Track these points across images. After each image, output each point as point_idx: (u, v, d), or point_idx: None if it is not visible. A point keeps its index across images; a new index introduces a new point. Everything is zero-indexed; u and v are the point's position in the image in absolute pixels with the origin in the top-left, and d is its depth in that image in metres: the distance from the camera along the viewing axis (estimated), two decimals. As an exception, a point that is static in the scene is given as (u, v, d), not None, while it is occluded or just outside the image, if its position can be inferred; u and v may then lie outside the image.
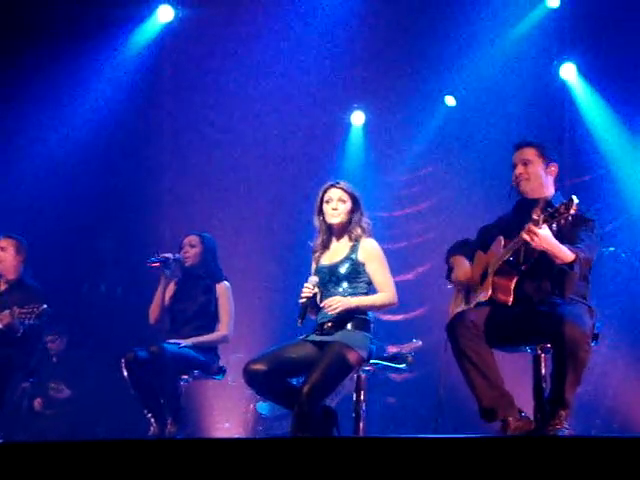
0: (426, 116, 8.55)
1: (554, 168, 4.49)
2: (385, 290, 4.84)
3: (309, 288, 4.83)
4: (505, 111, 7.83)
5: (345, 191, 4.93)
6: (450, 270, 4.66)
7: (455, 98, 8.46)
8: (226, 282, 6.13)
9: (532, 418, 4.17)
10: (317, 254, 5.01)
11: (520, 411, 4.15)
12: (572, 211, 3.91)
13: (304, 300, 4.81)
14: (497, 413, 4.10)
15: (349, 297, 4.76)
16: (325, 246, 4.98)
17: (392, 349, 7.21)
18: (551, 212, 3.99)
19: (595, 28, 7.48)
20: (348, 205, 4.92)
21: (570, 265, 4.10)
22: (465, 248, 4.66)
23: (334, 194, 4.92)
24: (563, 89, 8.03)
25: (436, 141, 8.54)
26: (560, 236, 4.14)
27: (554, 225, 4.01)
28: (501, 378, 4.18)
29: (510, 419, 4.06)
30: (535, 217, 4.05)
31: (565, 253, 4.08)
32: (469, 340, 4.13)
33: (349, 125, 8.91)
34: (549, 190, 4.45)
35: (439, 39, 7.78)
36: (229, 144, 8.28)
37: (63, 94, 7.81)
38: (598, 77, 7.82)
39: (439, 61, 7.98)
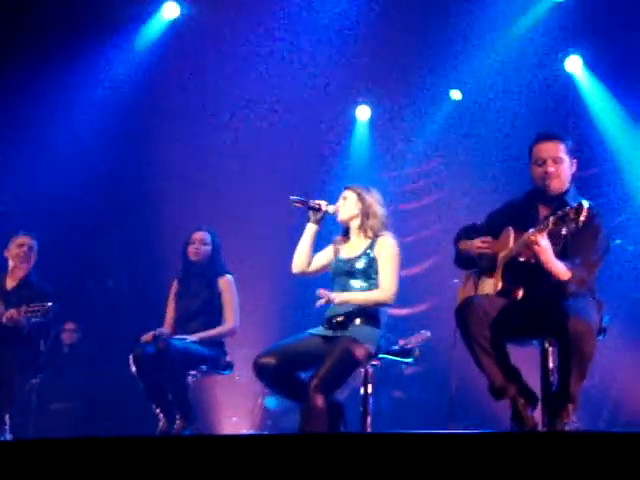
0: (432, 110, 8.54)
1: (575, 165, 4.43)
2: (383, 287, 4.87)
3: (325, 203, 5.03)
4: (511, 103, 7.81)
5: (350, 189, 5.07)
6: (458, 255, 4.65)
7: (461, 92, 8.46)
8: (228, 275, 6.14)
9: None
10: (335, 245, 5.12)
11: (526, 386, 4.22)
12: (582, 218, 3.82)
13: (310, 201, 5.05)
14: (507, 392, 4.16)
15: (343, 292, 4.82)
16: (343, 239, 5.10)
17: (401, 342, 7.23)
18: (560, 215, 3.91)
19: (601, 21, 7.45)
20: (349, 202, 5.03)
21: (564, 283, 4.09)
22: (473, 234, 4.62)
23: (343, 193, 5.09)
24: (569, 82, 8.02)
25: (442, 135, 8.54)
26: (563, 243, 4.12)
27: (563, 229, 3.93)
28: (508, 356, 4.22)
29: (520, 399, 4.14)
30: (541, 226, 3.99)
31: (560, 271, 4.07)
32: (478, 326, 4.14)
33: (354, 120, 8.91)
34: (567, 186, 4.39)
35: (445, 33, 7.76)
36: (234, 140, 8.28)
37: (67, 93, 7.81)
38: (604, 70, 7.80)
39: (445, 55, 7.96)
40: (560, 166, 4.33)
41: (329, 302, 4.80)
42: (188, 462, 3.27)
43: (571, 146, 4.41)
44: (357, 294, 4.86)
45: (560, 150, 4.35)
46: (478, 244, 4.47)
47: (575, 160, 4.42)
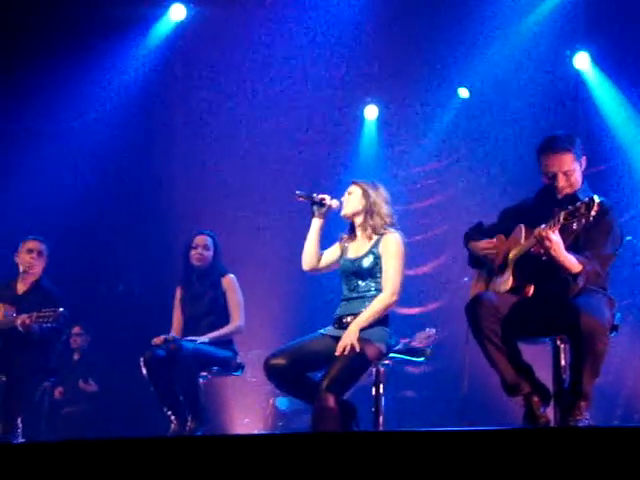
0: (440, 108, 8.54)
1: (585, 161, 4.37)
2: (385, 287, 4.82)
3: (329, 197, 5.02)
4: (520, 101, 7.81)
5: (356, 184, 5.01)
6: (471, 256, 4.64)
7: (468, 90, 8.44)
8: (231, 274, 6.15)
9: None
10: (342, 242, 5.07)
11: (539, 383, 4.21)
12: (593, 212, 3.79)
13: (314, 196, 5.02)
14: (520, 388, 4.15)
15: (352, 327, 4.71)
16: (350, 237, 5.05)
17: (404, 341, 7.19)
18: (571, 210, 3.88)
19: (608, 17, 7.44)
20: (354, 197, 4.97)
21: (575, 276, 4.07)
22: (482, 232, 4.61)
23: (349, 188, 5.03)
24: (577, 78, 8.00)
25: (451, 133, 8.53)
26: (575, 237, 4.11)
27: (574, 224, 3.89)
28: (520, 353, 4.20)
29: (533, 397, 4.13)
30: (552, 222, 3.96)
31: (572, 264, 4.04)
32: (489, 322, 4.13)
33: (363, 119, 8.91)
34: (579, 185, 4.34)
35: (452, 31, 7.76)
36: (244, 141, 8.29)
37: (76, 95, 7.83)
38: (612, 66, 7.78)
39: (452, 53, 7.96)
40: (571, 177, 4.29)
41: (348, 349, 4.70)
42: (200, 462, 3.27)
43: (579, 147, 4.34)
44: (367, 314, 4.75)
45: (569, 162, 4.28)
46: (483, 245, 4.48)
47: (584, 157, 4.38)
